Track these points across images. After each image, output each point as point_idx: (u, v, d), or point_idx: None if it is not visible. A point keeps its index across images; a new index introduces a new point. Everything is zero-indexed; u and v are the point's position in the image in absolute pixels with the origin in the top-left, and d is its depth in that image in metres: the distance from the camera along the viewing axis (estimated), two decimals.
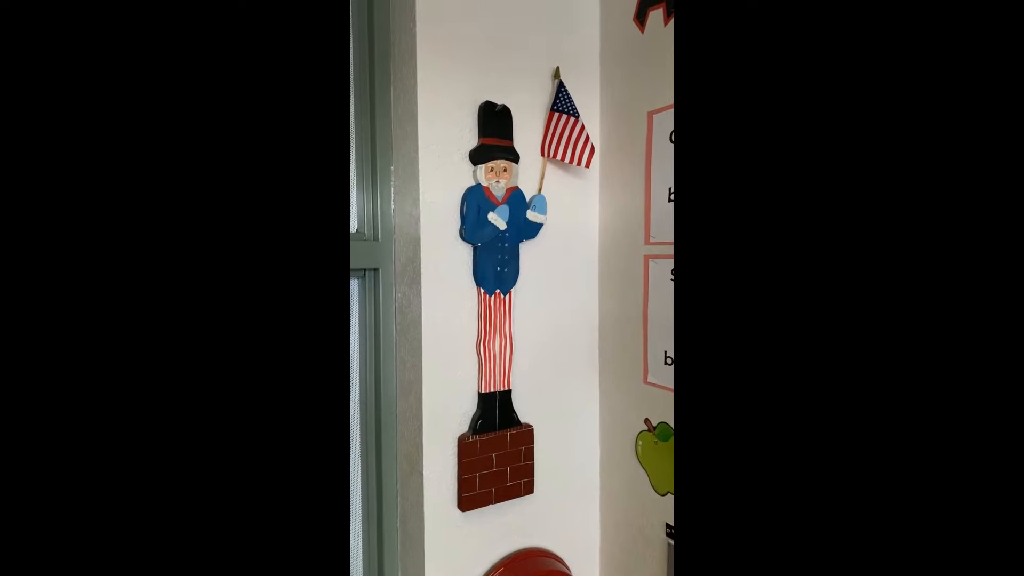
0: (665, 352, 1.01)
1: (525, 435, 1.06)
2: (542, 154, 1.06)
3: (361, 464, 1.06)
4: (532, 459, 1.07)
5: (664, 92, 0.99)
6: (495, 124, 1.00)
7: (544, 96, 1.07)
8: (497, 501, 1.03)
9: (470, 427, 1.02)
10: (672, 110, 0.98)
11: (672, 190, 0.98)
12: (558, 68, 1.06)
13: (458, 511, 1.01)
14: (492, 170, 0.99)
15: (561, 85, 1.04)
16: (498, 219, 0.99)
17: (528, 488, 1.07)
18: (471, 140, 0.99)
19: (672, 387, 1.00)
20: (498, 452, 1.03)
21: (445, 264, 0.98)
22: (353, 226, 1.02)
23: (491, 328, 1.02)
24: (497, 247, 1.01)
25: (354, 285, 1.03)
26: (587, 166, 1.03)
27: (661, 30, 1.00)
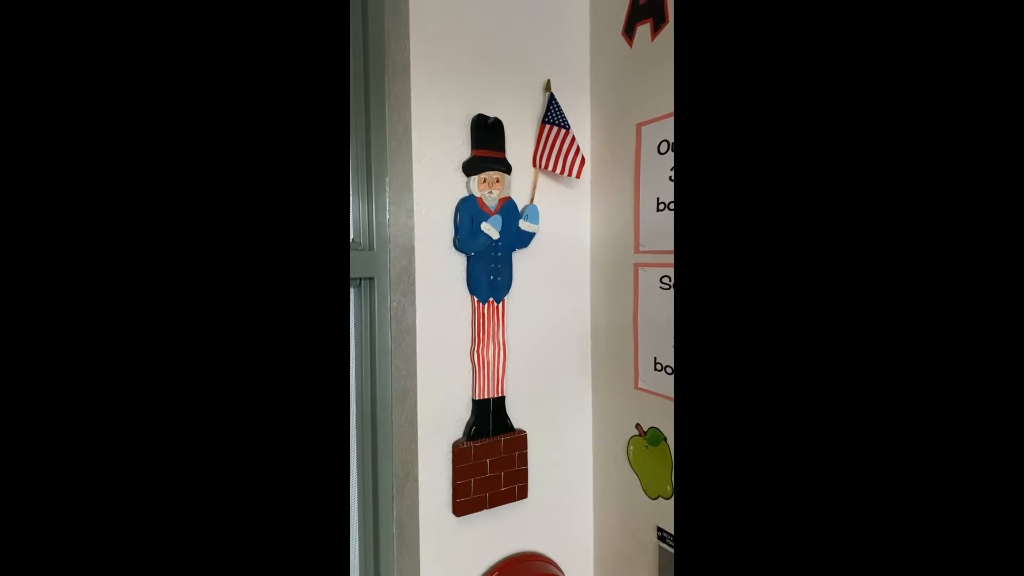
0: (655, 358, 1.03)
1: (518, 441, 1.08)
2: (534, 165, 1.09)
3: (357, 470, 1.07)
4: (526, 464, 1.09)
5: (652, 104, 1.02)
6: (487, 136, 1.02)
7: (535, 109, 1.09)
8: (491, 506, 1.05)
9: (464, 433, 1.03)
10: (660, 122, 1.00)
11: (660, 199, 1.01)
12: (549, 81, 1.09)
13: (453, 516, 1.02)
14: (485, 181, 1.01)
15: (552, 98, 1.06)
16: (491, 229, 1.01)
17: (522, 493, 1.09)
18: (464, 152, 1.01)
19: (662, 392, 1.02)
20: (492, 457, 1.05)
21: (439, 273, 1.00)
22: (349, 236, 1.04)
23: (485, 336, 1.04)
24: (490, 256, 1.03)
25: (350, 294, 1.05)
26: (578, 177, 1.05)
27: (648, 44, 1.02)
